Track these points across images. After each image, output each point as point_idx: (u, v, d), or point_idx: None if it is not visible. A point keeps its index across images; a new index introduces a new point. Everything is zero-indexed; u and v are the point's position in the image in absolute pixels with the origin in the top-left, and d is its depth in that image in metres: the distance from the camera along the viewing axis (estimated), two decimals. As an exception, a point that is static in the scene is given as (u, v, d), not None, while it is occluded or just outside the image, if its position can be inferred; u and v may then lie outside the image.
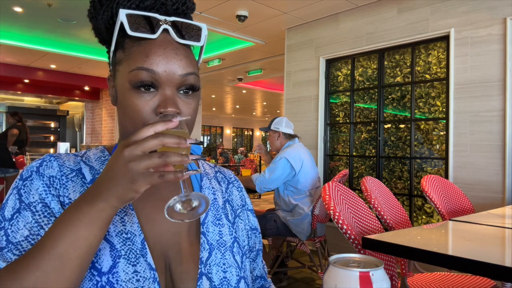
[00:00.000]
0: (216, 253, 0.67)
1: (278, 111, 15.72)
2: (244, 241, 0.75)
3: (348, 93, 4.08)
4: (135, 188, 0.47)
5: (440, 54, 3.36)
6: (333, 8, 3.96)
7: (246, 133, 22.06)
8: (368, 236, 1.30)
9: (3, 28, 5.36)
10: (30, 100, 10.44)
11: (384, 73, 3.77)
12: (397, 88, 3.69)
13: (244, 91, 10.71)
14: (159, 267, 0.61)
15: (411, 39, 3.47)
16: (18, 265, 0.49)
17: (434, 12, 3.32)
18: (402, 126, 3.67)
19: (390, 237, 1.36)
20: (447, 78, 3.25)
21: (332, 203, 1.53)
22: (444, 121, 3.30)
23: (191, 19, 0.68)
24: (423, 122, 3.50)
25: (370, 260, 0.53)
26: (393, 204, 2.08)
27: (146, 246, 0.61)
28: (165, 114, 0.57)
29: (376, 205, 1.79)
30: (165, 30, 0.61)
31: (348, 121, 4.09)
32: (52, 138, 10.34)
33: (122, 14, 0.59)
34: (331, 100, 4.26)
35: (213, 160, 11.63)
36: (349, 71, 4.08)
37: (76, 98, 9.73)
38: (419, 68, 3.51)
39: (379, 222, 1.80)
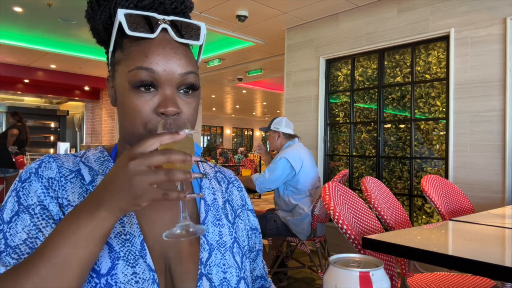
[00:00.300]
0: (216, 254, 0.66)
1: (278, 111, 15.72)
2: (244, 242, 0.75)
3: (348, 93, 4.08)
4: (138, 202, 0.47)
5: (440, 54, 3.36)
6: (333, 8, 3.96)
7: (246, 133, 22.05)
8: (368, 236, 1.29)
9: (3, 28, 5.36)
10: (30, 100, 10.44)
11: (384, 73, 3.77)
12: (397, 88, 3.69)
13: (244, 91, 10.71)
14: (158, 268, 0.61)
15: (411, 39, 3.47)
16: (18, 272, 0.49)
17: (434, 12, 3.32)
18: (402, 126, 3.67)
19: (390, 237, 1.36)
20: (447, 78, 3.25)
21: (332, 203, 1.53)
22: (444, 121, 3.30)
23: (189, 18, 0.68)
24: (423, 122, 3.50)
25: (370, 260, 0.53)
26: (393, 204, 2.08)
27: (146, 247, 0.60)
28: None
29: (376, 205, 1.79)
30: (164, 30, 0.61)
31: (348, 121, 4.09)
32: (52, 138, 10.34)
33: (121, 14, 0.58)
34: (331, 100, 4.26)
35: (213, 160, 11.62)
36: (349, 71, 4.08)
37: (76, 98, 9.73)
38: (419, 68, 3.51)
39: (379, 222, 1.80)
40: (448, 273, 1.98)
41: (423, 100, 3.49)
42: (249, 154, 13.56)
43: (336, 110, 4.22)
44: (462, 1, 3.15)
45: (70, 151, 8.30)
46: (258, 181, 2.83)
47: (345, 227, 1.45)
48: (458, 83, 3.16)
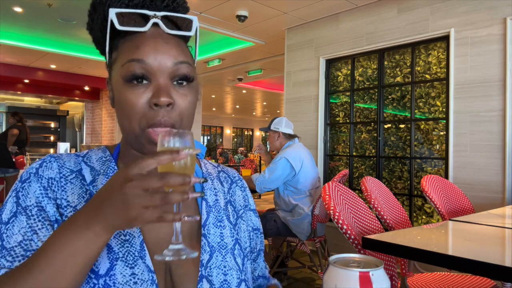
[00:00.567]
0: (217, 256, 0.66)
1: (278, 111, 15.72)
2: (245, 243, 0.74)
3: (348, 93, 4.08)
4: (133, 224, 0.46)
5: (440, 54, 3.36)
6: (333, 8, 3.96)
7: (246, 133, 22.05)
8: (368, 236, 1.29)
9: (3, 28, 5.36)
10: (30, 100, 10.44)
11: (384, 73, 3.77)
12: (397, 88, 3.69)
13: (244, 91, 10.70)
14: (158, 269, 0.60)
15: (411, 39, 3.47)
16: (14, 277, 0.49)
17: (434, 12, 3.32)
18: (402, 126, 3.67)
19: (390, 237, 1.36)
20: (447, 78, 3.25)
21: (332, 203, 1.53)
22: (444, 121, 3.30)
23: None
24: (423, 122, 3.50)
25: (370, 260, 0.53)
26: (393, 204, 2.08)
27: (145, 248, 0.60)
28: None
29: (376, 205, 1.79)
30: (155, 24, 0.61)
31: (348, 121, 4.09)
32: (52, 138, 10.34)
33: (112, 13, 0.59)
34: (331, 100, 4.26)
35: (213, 160, 11.63)
36: (349, 71, 4.08)
37: (76, 98, 9.73)
38: (419, 68, 3.51)
39: (379, 222, 1.80)
40: (448, 273, 1.98)
41: (423, 100, 3.49)
42: (249, 154, 13.57)
43: (336, 110, 4.22)
44: (462, 1, 3.15)
45: (70, 151, 8.30)
46: (258, 181, 2.83)
47: (345, 227, 1.45)
48: (458, 83, 3.16)
